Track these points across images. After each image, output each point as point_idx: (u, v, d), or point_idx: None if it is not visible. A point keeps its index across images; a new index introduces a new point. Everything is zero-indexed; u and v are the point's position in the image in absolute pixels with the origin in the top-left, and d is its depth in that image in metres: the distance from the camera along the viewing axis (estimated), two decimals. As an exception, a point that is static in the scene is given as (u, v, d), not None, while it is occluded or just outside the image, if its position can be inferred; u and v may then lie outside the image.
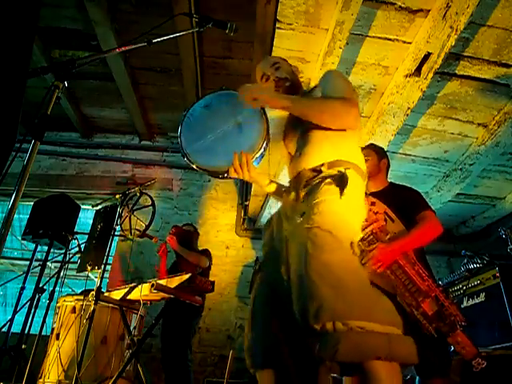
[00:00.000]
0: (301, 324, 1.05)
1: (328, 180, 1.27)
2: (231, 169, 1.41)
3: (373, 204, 1.90)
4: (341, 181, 1.26)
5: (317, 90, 1.56)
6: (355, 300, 1.03)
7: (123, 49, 1.64)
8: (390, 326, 0.99)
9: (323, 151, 1.39)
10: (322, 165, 1.33)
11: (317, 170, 1.34)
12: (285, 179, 1.61)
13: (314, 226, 1.16)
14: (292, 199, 1.38)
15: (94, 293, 2.47)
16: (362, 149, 1.89)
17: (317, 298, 1.03)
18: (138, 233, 2.96)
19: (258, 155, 1.44)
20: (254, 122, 1.47)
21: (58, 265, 3.25)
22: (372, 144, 2.36)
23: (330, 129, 1.40)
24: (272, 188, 1.59)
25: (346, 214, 1.23)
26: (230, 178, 1.45)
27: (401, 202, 1.91)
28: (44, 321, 2.88)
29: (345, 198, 1.23)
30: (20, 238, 4.24)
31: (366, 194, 2.17)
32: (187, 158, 1.47)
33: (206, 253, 3.62)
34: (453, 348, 1.62)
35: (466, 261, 2.81)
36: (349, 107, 1.38)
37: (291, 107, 1.41)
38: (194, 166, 1.46)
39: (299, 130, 1.51)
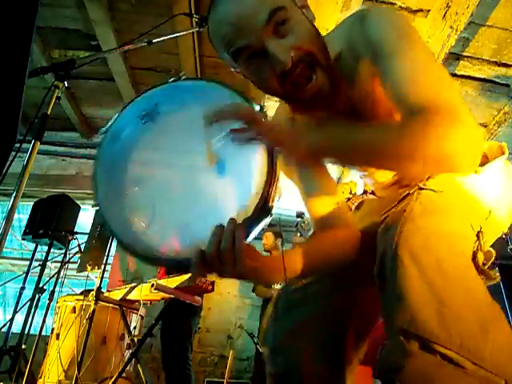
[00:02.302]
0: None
1: None
2: (198, 262, 0.64)
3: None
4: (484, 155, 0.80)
5: (361, 62, 0.80)
6: (458, 316, 0.62)
7: (123, 49, 1.64)
8: (494, 374, 0.60)
9: None
10: None
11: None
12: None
13: (428, 188, 0.73)
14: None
15: (94, 293, 2.47)
16: None
17: (396, 287, 0.64)
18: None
19: (256, 229, 0.70)
20: (249, 157, 0.69)
21: (58, 265, 3.25)
22: None
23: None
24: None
25: (480, 192, 0.78)
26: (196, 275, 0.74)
27: None
28: (44, 321, 2.88)
29: (484, 175, 0.78)
30: (20, 238, 4.24)
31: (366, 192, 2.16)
32: (108, 229, 0.74)
33: None
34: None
35: (466, 261, 2.81)
36: (459, 135, 0.65)
37: (330, 152, 0.74)
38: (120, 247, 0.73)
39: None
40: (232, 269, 0.64)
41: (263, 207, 0.67)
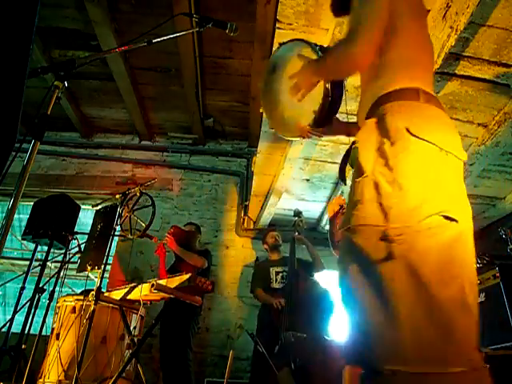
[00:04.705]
0: None
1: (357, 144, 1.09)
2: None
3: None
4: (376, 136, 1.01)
5: None
6: (378, 338, 0.83)
7: (123, 49, 1.64)
8: (423, 365, 0.76)
9: (365, 99, 1.17)
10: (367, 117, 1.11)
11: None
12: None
13: (345, 229, 0.99)
14: None
15: (93, 293, 2.47)
16: None
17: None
18: (138, 233, 2.96)
19: (318, 117, 1.32)
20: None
21: (58, 265, 3.25)
22: None
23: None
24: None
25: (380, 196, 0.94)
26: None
27: None
28: (44, 321, 2.88)
29: (392, 168, 0.94)
30: (20, 238, 4.24)
31: None
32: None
33: (205, 253, 3.62)
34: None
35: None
36: (347, 48, 1.14)
37: (319, 76, 1.27)
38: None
39: None
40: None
41: (326, 105, 1.30)
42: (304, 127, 1.34)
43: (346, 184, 1.44)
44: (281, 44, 1.50)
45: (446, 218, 0.87)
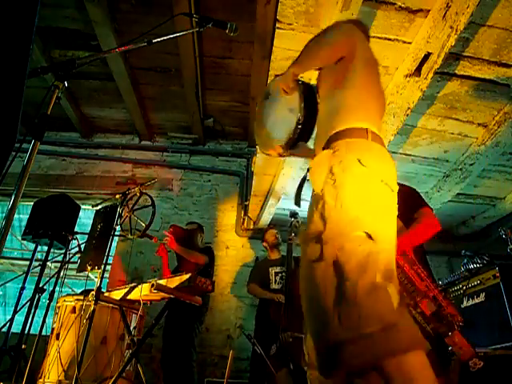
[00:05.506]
0: None
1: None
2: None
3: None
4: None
5: None
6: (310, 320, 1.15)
7: (123, 49, 1.64)
8: (345, 333, 1.00)
9: (321, 133, 1.37)
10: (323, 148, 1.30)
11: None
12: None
13: (302, 241, 1.24)
14: None
15: (94, 293, 2.47)
16: None
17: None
18: (138, 233, 2.96)
19: (288, 140, 1.48)
20: (296, 108, 1.49)
21: (58, 265, 3.25)
22: None
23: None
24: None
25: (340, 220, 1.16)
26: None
27: (398, 199, 1.91)
28: (44, 321, 2.88)
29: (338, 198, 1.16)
30: (20, 238, 4.24)
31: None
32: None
33: (207, 250, 3.61)
34: (450, 348, 1.63)
35: (465, 261, 2.81)
36: (318, 42, 1.43)
37: (298, 66, 1.44)
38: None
39: None
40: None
41: (296, 132, 1.45)
42: (276, 147, 1.51)
43: (300, 207, 1.60)
44: (277, 75, 1.68)
45: (368, 235, 1.09)
